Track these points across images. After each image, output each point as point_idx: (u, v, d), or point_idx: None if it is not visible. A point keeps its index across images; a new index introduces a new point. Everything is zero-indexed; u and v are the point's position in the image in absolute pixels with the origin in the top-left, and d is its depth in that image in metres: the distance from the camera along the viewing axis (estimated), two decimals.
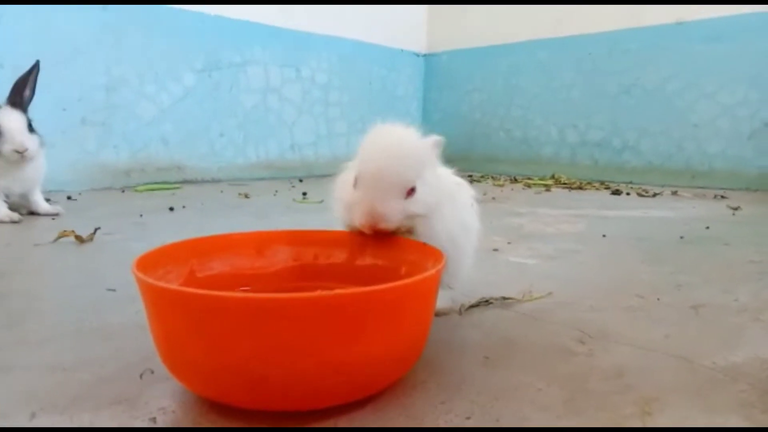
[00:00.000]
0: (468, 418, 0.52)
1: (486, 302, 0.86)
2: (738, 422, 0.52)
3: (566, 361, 0.66)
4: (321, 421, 0.50)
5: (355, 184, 0.68)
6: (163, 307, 0.48)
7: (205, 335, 0.46)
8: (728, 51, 2.91)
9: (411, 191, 0.67)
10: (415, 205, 0.67)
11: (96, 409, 0.52)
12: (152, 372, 0.60)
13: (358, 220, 0.67)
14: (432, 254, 0.62)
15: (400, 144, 0.68)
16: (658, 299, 0.91)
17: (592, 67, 3.39)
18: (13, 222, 1.56)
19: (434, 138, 0.72)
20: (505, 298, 0.87)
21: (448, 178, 0.78)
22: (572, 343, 0.71)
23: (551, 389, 0.58)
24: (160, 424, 0.50)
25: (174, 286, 0.46)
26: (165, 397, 0.55)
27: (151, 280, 0.47)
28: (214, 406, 0.53)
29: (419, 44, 4.11)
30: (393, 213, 0.66)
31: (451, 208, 0.73)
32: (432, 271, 0.52)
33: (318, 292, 0.44)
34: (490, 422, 0.51)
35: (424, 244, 0.66)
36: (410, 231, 0.69)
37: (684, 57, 3.05)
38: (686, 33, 3.03)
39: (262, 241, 0.73)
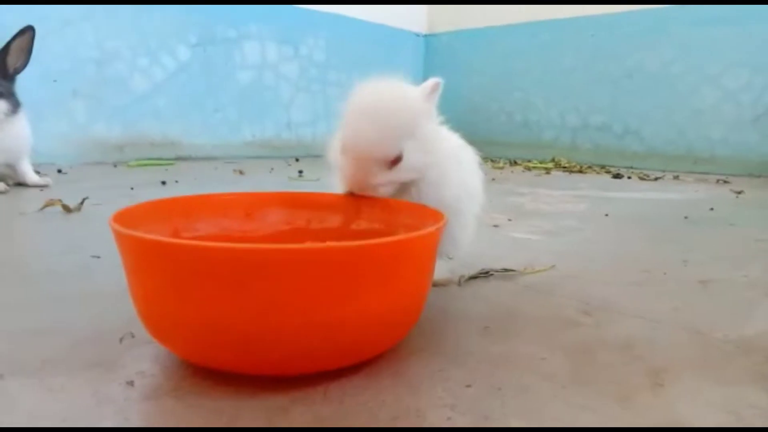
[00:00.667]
0: (468, 386, 0.48)
1: (486, 274, 0.82)
2: (755, 394, 0.48)
3: (571, 332, 0.62)
4: (310, 387, 0.47)
5: (342, 150, 0.64)
6: (139, 259, 0.44)
7: (183, 290, 0.42)
8: (732, 34, 2.85)
9: (397, 159, 0.62)
10: (402, 172, 0.63)
11: (69, 371, 0.49)
12: (133, 336, 0.57)
13: (346, 185, 0.64)
14: (432, 216, 0.58)
15: (381, 108, 0.61)
16: (665, 274, 0.88)
17: (594, 50, 3.33)
18: None
19: (431, 82, 0.66)
20: (506, 270, 0.84)
21: (452, 139, 0.74)
22: (577, 314, 0.68)
23: (555, 359, 0.54)
24: (137, 387, 0.47)
25: (150, 236, 0.42)
26: (145, 361, 0.51)
27: (125, 230, 0.43)
28: (197, 370, 0.49)
29: (420, 24, 4.04)
30: (378, 183, 0.62)
31: (456, 170, 0.69)
32: (431, 228, 0.48)
33: (307, 244, 0.40)
34: (491, 390, 0.47)
35: (424, 207, 0.62)
36: (410, 193, 0.66)
37: (687, 40, 2.99)
38: (690, 16, 2.97)
39: (252, 203, 0.69)
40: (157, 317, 0.46)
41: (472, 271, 0.82)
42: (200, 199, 0.66)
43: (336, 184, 0.70)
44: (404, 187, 0.66)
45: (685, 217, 1.45)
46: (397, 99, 0.63)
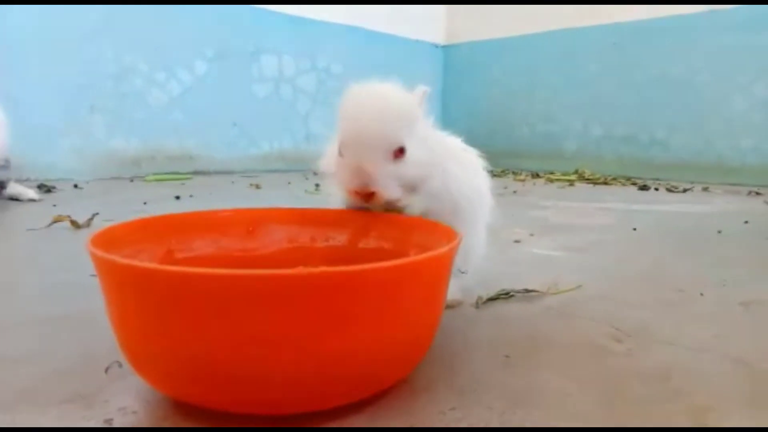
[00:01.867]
0: (484, 428, 0.42)
1: (506, 295, 0.76)
2: None
3: (601, 361, 0.56)
4: (304, 427, 0.41)
5: (339, 150, 0.60)
6: (114, 286, 0.40)
7: (164, 320, 0.38)
8: (763, 41, 2.76)
9: (400, 152, 0.59)
10: (406, 167, 0.59)
11: (45, 406, 0.45)
12: (120, 366, 0.52)
13: (346, 185, 0.59)
14: (446, 234, 0.53)
15: (380, 100, 0.60)
16: (702, 294, 0.81)
17: (618, 59, 3.25)
18: None
19: (420, 90, 0.64)
20: (528, 291, 0.78)
21: (453, 142, 0.71)
22: (607, 341, 0.62)
23: (585, 394, 0.48)
24: (116, 426, 0.42)
25: (126, 260, 0.38)
26: (128, 395, 0.47)
27: (100, 252, 0.39)
28: (182, 407, 0.45)
29: (438, 35, 4.00)
30: (382, 175, 0.58)
31: (460, 169, 0.65)
32: (442, 249, 0.43)
33: (299, 269, 0.35)
34: None
35: (436, 224, 0.57)
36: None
37: (716, 47, 2.90)
38: (718, 22, 2.88)
39: (253, 220, 0.64)
40: (136, 350, 0.41)
41: (491, 292, 0.76)
42: (197, 216, 0.61)
43: (333, 197, 0.66)
44: (412, 190, 0.61)
45: (719, 231, 1.37)
46: (395, 94, 0.61)
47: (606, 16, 3.26)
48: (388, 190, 0.58)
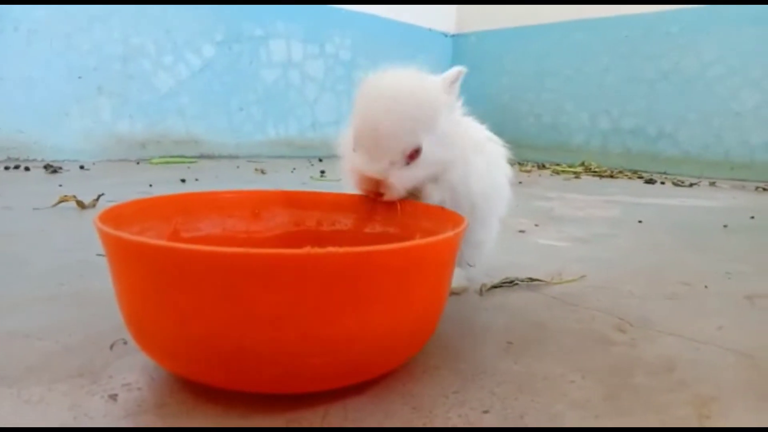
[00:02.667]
0: (485, 412, 0.43)
1: (510, 283, 0.76)
2: None
3: (604, 351, 0.56)
4: (308, 408, 0.42)
5: (353, 145, 0.59)
6: (122, 262, 0.40)
7: (167, 298, 0.38)
8: None
9: (416, 152, 0.56)
10: (420, 169, 0.57)
11: (51, 381, 0.45)
12: (125, 342, 0.53)
13: (355, 184, 0.58)
14: (451, 220, 0.53)
15: (398, 96, 0.55)
16: (706, 287, 0.80)
17: (628, 51, 3.22)
18: None
19: (454, 70, 0.60)
20: (532, 280, 0.78)
21: (477, 131, 0.69)
22: (610, 331, 0.62)
23: (587, 383, 0.48)
24: (120, 402, 0.42)
25: (133, 237, 0.38)
26: (133, 371, 0.47)
27: (107, 228, 0.39)
28: (187, 384, 0.45)
29: (448, 24, 3.97)
30: (395, 182, 0.56)
31: (483, 163, 0.63)
32: (448, 234, 0.43)
33: (306, 249, 0.35)
34: (513, 419, 0.42)
35: (443, 209, 0.57)
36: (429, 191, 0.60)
37: (727, 41, 2.87)
38: (731, 15, 2.85)
39: (258, 202, 0.64)
40: (141, 327, 0.42)
41: (495, 280, 0.76)
42: (204, 197, 0.61)
43: (345, 181, 0.65)
44: (422, 184, 0.60)
45: (725, 226, 1.37)
46: (415, 87, 0.57)
47: (618, 8, 3.22)
48: (397, 193, 0.57)
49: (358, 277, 0.37)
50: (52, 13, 2.20)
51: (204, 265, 0.36)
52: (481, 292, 0.72)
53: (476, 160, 0.62)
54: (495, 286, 0.75)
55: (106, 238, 0.40)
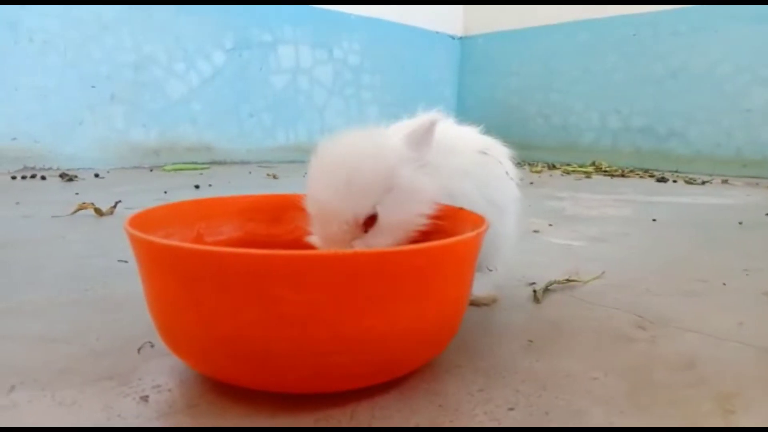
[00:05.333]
0: (511, 409, 0.43)
1: (566, 281, 0.76)
2: None
3: (625, 348, 0.56)
4: (336, 407, 0.42)
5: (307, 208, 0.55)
6: (152, 265, 0.41)
7: (197, 299, 0.39)
8: None
9: (371, 220, 0.52)
10: (380, 235, 0.52)
11: (82, 384, 0.46)
12: (152, 346, 0.54)
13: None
14: (470, 220, 0.53)
15: (346, 164, 0.51)
16: (724, 284, 0.80)
17: (636, 50, 3.21)
18: None
19: (425, 122, 0.55)
20: (568, 281, 0.78)
21: (469, 143, 0.65)
22: (630, 328, 0.62)
23: (610, 380, 0.49)
24: (151, 403, 0.43)
25: (165, 241, 0.39)
26: (162, 374, 0.48)
27: (138, 233, 0.40)
28: (216, 384, 0.46)
29: (455, 27, 3.98)
30: (352, 244, 0.52)
31: (472, 186, 0.60)
32: (471, 234, 0.44)
33: (333, 250, 0.36)
34: (539, 416, 0.42)
35: (461, 209, 0.57)
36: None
37: (736, 38, 2.85)
38: (740, 13, 2.83)
39: (279, 205, 0.65)
40: (171, 329, 0.43)
41: (512, 281, 0.76)
42: (224, 201, 0.62)
43: None
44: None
45: (740, 223, 1.36)
46: (366, 152, 0.53)
47: (625, 8, 3.22)
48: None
49: (383, 277, 0.38)
50: (65, 23, 2.23)
51: (233, 266, 0.37)
52: (537, 299, 0.71)
53: (464, 187, 0.59)
54: (547, 289, 0.74)
55: (138, 243, 0.41)
